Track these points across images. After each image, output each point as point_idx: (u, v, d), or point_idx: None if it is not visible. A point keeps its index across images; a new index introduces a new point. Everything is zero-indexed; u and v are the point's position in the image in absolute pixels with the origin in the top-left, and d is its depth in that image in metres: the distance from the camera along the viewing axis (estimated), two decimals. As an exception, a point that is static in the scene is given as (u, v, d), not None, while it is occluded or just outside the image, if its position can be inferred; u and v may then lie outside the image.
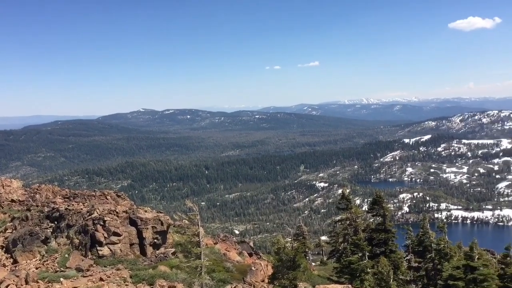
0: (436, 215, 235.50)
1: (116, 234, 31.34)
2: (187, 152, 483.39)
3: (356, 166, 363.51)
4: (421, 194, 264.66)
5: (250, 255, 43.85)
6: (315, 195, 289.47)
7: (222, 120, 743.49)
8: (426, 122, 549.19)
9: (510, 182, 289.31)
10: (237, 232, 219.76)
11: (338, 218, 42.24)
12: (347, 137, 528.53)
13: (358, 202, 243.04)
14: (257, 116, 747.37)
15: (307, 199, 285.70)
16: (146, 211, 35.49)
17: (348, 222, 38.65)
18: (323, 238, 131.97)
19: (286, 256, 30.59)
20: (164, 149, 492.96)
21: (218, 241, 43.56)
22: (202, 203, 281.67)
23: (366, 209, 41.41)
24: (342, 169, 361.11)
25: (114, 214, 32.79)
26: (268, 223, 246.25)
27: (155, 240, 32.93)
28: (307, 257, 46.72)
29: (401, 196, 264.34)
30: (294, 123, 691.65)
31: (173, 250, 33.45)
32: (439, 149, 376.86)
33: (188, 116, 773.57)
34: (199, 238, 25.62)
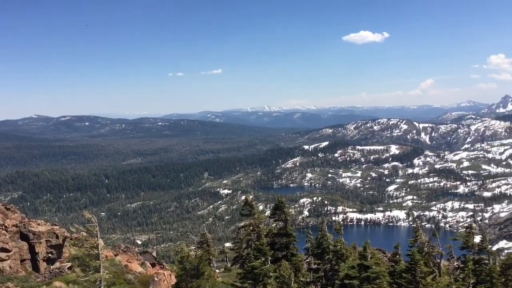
0: (334, 218, 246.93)
1: (4, 250, 28.99)
2: (86, 160, 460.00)
3: (259, 173, 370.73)
4: (320, 198, 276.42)
5: (153, 265, 42.85)
6: (219, 202, 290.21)
7: (123, 127, 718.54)
8: (324, 130, 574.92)
9: (398, 185, 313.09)
10: (139, 242, 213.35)
11: (241, 224, 42.65)
12: (250, 144, 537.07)
13: (261, 207, 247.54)
14: (160, 123, 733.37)
15: (211, 206, 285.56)
16: (39, 224, 33.24)
17: (251, 228, 39.15)
18: (227, 244, 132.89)
19: (190, 265, 30.33)
20: (60, 158, 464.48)
21: (119, 253, 42.01)
22: (102, 213, 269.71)
23: (269, 215, 42.26)
24: (245, 176, 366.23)
25: (2, 229, 30.33)
26: (171, 232, 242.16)
27: (50, 255, 30.98)
28: (212, 265, 46.69)
29: (302, 200, 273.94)
30: (198, 130, 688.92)
31: (69, 264, 31.62)
32: (336, 155, 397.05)
33: (87, 123, 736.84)
34: (98, 250, 24.48)
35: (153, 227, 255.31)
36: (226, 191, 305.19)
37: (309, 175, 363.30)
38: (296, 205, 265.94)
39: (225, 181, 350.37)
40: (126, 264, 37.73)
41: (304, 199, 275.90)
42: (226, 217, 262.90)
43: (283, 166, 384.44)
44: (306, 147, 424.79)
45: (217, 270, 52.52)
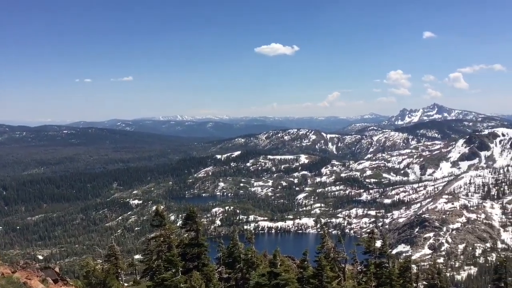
0: (245, 227, 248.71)
1: None
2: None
3: (170, 182, 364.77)
4: (232, 207, 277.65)
5: (56, 281, 40.37)
6: (128, 213, 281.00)
7: (24, 135, 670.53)
8: (236, 139, 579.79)
9: (307, 194, 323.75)
10: (41, 257, 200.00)
11: (152, 235, 41.78)
12: (162, 153, 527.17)
13: (172, 218, 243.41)
14: (66, 131, 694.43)
15: (120, 218, 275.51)
16: None
17: (162, 238, 38.47)
18: (137, 256, 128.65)
19: (96, 279, 29.15)
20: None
21: (17, 269, 39.07)
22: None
23: (181, 225, 41.81)
24: (156, 186, 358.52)
25: None
26: (77, 245, 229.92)
27: None
28: (120, 278, 45.06)
29: (214, 210, 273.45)
30: (107, 139, 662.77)
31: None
32: (248, 164, 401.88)
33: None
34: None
35: (57, 241, 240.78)
36: (136, 202, 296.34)
37: (221, 184, 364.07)
38: (208, 215, 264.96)
39: (135, 191, 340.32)
40: (25, 281, 35.17)
41: (216, 209, 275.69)
42: (136, 229, 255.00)
43: (195, 175, 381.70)
44: (218, 156, 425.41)
45: (126, 284, 50.76)
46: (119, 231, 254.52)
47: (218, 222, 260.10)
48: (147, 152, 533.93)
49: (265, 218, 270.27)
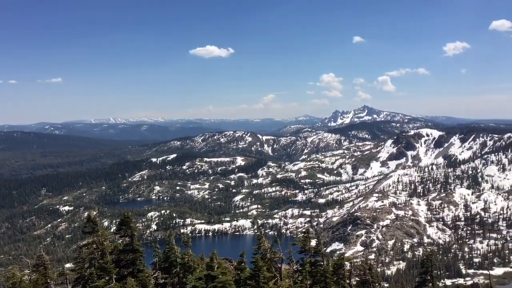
0: (182, 230, 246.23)
1: None
2: None
3: (104, 187, 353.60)
4: (168, 211, 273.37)
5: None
6: (58, 220, 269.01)
7: None
8: (172, 142, 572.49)
9: (244, 195, 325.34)
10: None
11: (84, 242, 40.22)
12: (94, 157, 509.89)
13: (106, 224, 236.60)
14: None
15: (49, 225, 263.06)
16: None
17: (94, 245, 37.23)
18: (68, 265, 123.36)
19: (24, 291, 27.67)
20: None
21: None
22: None
23: (114, 231, 40.62)
24: (89, 191, 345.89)
25: None
26: (2, 256, 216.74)
27: None
28: (49, 289, 42.99)
29: (150, 214, 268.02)
30: (34, 143, 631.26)
31: None
32: (184, 167, 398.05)
33: None
34: None
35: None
36: (67, 208, 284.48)
37: (157, 188, 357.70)
38: (143, 219, 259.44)
39: (65, 197, 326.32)
40: None
41: (152, 213, 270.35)
42: (67, 236, 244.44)
43: (130, 179, 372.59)
44: (154, 159, 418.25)
45: (56, 294, 48.49)
46: (48, 239, 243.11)
47: (154, 226, 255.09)
48: (78, 156, 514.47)
49: (202, 221, 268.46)
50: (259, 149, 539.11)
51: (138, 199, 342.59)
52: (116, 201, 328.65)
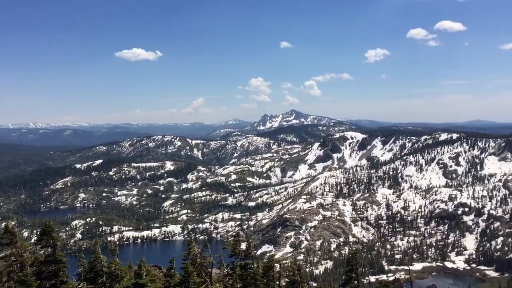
0: (109, 238, 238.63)
1: None
2: None
3: (23, 196, 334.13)
4: (94, 219, 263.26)
5: None
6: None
7: None
8: (97, 147, 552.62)
9: (173, 201, 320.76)
10: None
11: (1, 255, 37.90)
12: (12, 164, 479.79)
13: (26, 234, 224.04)
14: None
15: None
16: None
17: (13, 258, 35.10)
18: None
19: None
20: None
21: None
22: None
23: (35, 241, 38.54)
24: (6, 200, 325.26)
25: None
26: None
27: None
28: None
29: (74, 223, 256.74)
30: None
31: None
32: (111, 173, 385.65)
33: None
34: None
35: None
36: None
37: (82, 195, 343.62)
38: (67, 228, 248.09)
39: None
40: None
41: (77, 221, 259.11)
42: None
43: (52, 187, 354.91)
44: (78, 165, 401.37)
45: (-30, 312, 45.14)
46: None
47: (78, 235, 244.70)
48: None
49: (130, 228, 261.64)
50: (189, 153, 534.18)
51: (62, 207, 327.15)
52: (37, 210, 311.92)
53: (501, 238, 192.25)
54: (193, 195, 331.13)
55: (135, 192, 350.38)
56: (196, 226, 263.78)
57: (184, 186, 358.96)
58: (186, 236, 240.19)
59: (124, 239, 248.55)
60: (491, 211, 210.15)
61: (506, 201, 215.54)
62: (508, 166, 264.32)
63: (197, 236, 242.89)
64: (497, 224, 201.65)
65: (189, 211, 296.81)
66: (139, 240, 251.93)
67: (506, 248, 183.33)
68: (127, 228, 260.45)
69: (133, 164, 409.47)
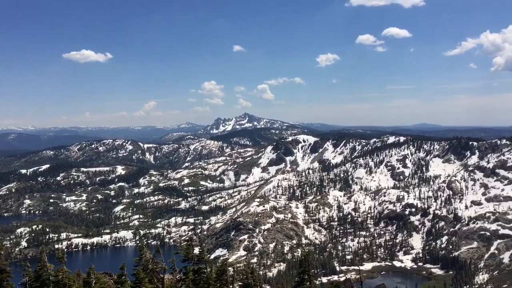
0: (57, 246, 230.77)
1: None
2: None
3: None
4: (40, 226, 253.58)
5: None
6: None
7: None
8: (44, 152, 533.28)
9: (125, 206, 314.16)
10: None
11: None
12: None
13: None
14: None
15: None
16: None
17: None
18: None
19: None
20: None
21: None
22: None
23: (-24, 251, 36.75)
24: None
25: None
26: None
27: None
28: None
29: (19, 230, 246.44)
30: None
31: None
32: (59, 178, 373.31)
33: None
34: None
35: None
36: None
37: (27, 201, 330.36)
38: (12, 236, 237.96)
39: None
40: None
41: (22, 229, 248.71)
42: None
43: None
44: (23, 171, 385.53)
45: None
46: None
47: (24, 243, 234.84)
48: None
49: (80, 235, 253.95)
50: (141, 157, 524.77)
51: (5, 214, 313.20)
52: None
53: (445, 237, 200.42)
54: (145, 199, 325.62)
55: (84, 197, 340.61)
56: (148, 232, 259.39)
57: (136, 190, 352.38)
58: (138, 242, 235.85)
59: (73, 247, 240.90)
60: (436, 211, 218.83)
61: (450, 201, 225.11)
62: (452, 167, 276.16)
63: (149, 241, 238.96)
64: (442, 223, 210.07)
65: (141, 216, 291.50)
66: (88, 247, 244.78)
67: (451, 247, 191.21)
68: (75, 235, 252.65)
69: (82, 169, 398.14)
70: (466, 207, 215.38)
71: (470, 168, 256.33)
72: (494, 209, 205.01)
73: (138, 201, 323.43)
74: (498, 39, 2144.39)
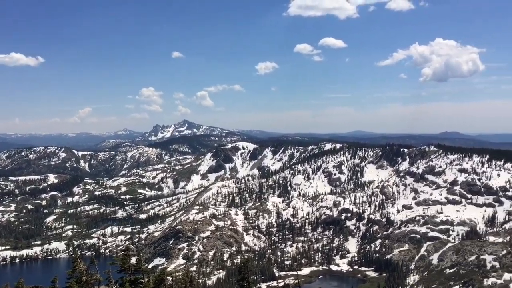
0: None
1: None
2: None
3: None
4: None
5: None
6: None
7: None
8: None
9: (57, 216, 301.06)
10: None
11: None
12: None
13: None
14: None
15: None
16: None
17: None
18: None
19: None
20: None
21: None
22: None
23: None
24: None
25: None
26: None
27: None
28: None
29: None
30: None
31: None
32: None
33: None
34: None
35: None
36: None
37: None
38: None
39: None
40: None
41: None
42: None
43: None
44: None
45: None
46: None
47: None
48: None
49: (8, 247, 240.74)
50: (75, 165, 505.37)
51: None
52: None
53: (379, 240, 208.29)
54: (79, 209, 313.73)
55: (13, 208, 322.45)
56: (82, 242, 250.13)
57: (70, 200, 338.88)
58: (72, 253, 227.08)
59: (0, 260, 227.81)
60: (371, 216, 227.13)
61: (383, 206, 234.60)
62: (385, 173, 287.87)
63: (83, 252, 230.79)
64: (375, 227, 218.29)
65: (75, 226, 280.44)
66: (17, 260, 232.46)
67: (384, 250, 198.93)
68: (3, 248, 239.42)
69: (10, 178, 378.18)
70: (398, 211, 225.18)
71: (402, 174, 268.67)
72: (424, 213, 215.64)
73: (72, 210, 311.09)
74: (426, 51, 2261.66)
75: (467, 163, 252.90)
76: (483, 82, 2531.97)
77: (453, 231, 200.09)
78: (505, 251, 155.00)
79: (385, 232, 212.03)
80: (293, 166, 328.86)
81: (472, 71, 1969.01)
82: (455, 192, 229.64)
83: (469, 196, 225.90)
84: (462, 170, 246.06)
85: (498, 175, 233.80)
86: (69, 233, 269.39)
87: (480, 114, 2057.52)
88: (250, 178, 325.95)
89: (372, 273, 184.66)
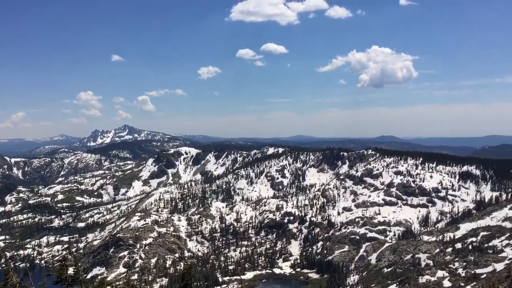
0: None
1: None
2: None
3: None
4: None
5: None
6: None
7: None
8: None
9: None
10: None
11: None
12: None
13: None
14: None
15: None
16: None
17: None
18: None
19: None
20: None
21: None
22: None
23: None
24: None
25: None
26: None
27: None
28: None
29: None
30: None
31: None
32: None
33: None
34: None
35: None
36: None
37: None
38: None
39: None
40: None
41: None
42: None
43: None
44: None
45: None
46: None
47: None
48: None
49: None
50: (7, 173, 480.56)
51: None
52: None
53: (320, 243, 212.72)
54: (12, 218, 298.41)
55: None
56: (16, 253, 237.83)
57: (1, 209, 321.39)
58: (4, 265, 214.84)
59: None
60: (312, 218, 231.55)
61: (324, 209, 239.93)
62: (326, 176, 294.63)
63: (17, 264, 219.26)
64: (317, 230, 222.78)
65: (7, 237, 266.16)
66: None
67: (325, 251, 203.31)
68: None
69: None
70: (339, 213, 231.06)
71: (342, 177, 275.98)
72: (363, 214, 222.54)
73: (3, 220, 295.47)
74: (363, 58, 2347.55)
75: (402, 165, 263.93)
76: (416, 88, 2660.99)
77: (390, 231, 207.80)
78: (438, 250, 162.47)
79: (326, 234, 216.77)
80: (236, 171, 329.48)
81: (406, 78, 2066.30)
82: (392, 194, 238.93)
83: (404, 197, 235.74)
84: (398, 173, 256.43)
85: (431, 176, 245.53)
86: (1, 244, 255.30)
87: (414, 119, 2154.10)
88: (193, 183, 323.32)
89: (314, 275, 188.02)
